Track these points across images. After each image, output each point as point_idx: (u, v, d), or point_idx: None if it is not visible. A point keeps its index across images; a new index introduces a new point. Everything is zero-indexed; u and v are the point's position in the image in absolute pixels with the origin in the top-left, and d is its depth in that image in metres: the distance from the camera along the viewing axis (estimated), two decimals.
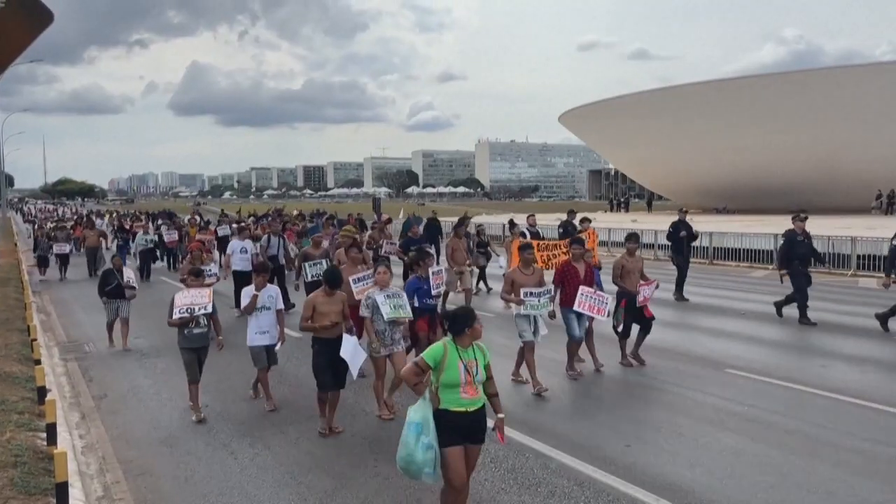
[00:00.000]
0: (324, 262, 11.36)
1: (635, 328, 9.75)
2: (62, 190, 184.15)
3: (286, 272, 14.98)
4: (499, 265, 16.23)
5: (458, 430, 4.60)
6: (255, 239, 15.88)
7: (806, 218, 12.83)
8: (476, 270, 16.64)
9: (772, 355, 10.17)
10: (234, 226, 21.47)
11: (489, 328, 7.96)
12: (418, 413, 4.56)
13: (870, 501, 5.36)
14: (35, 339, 10.25)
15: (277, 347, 8.01)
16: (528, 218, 17.18)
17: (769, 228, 23.53)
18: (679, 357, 10.01)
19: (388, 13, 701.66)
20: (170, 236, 22.44)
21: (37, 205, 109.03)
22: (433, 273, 9.03)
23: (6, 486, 5.45)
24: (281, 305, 8.01)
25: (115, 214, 42.44)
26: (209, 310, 7.69)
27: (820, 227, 20.53)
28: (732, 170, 44.54)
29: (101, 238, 24.14)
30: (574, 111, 59.00)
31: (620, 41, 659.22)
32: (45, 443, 6.45)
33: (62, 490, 5.08)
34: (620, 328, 9.65)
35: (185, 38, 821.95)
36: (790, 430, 6.86)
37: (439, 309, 9.62)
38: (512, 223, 16.19)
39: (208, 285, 8.13)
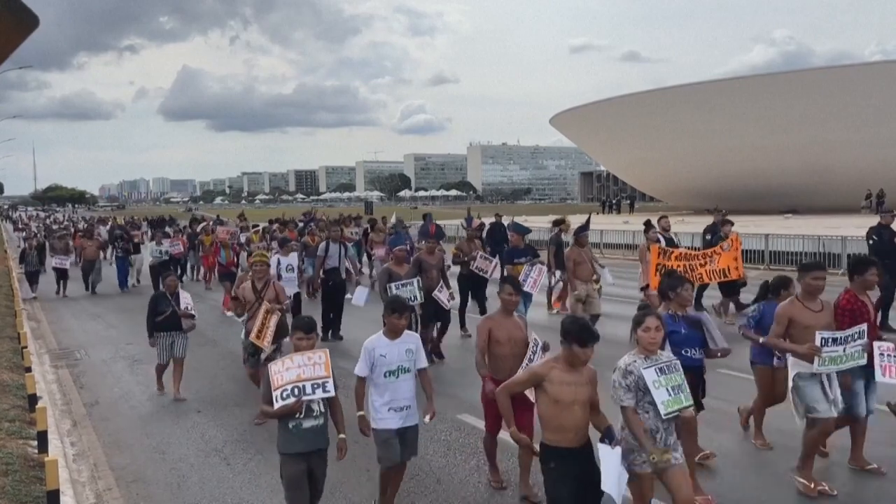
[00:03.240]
0: (414, 282, 9.25)
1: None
2: (52, 197, 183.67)
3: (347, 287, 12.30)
4: (606, 281, 12.71)
5: None
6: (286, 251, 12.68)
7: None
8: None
9: None
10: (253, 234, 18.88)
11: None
12: None
13: (867, 501, 5.38)
14: (26, 347, 10.19)
15: (428, 419, 5.20)
16: (660, 220, 13.19)
17: (761, 229, 23.62)
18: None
19: (380, 17, 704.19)
20: (175, 248, 19.24)
21: (27, 211, 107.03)
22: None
23: None
24: (424, 362, 5.20)
25: (116, 220, 36.56)
26: (330, 390, 4.57)
27: (810, 227, 20.69)
28: (723, 171, 44.70)
29: (100, 250, 20.96)
30: (565, 113, 59.16)
31: (612, 44, 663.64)
32: (36, 451, 6.41)
33: (54, 498, 5.05)
34: None
35: (176, 44, 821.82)
36: (784, 431, 6.88)
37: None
38: (648, 225, 12.65)
39: (306, 346, 4.76)
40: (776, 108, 41.21)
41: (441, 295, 9.98)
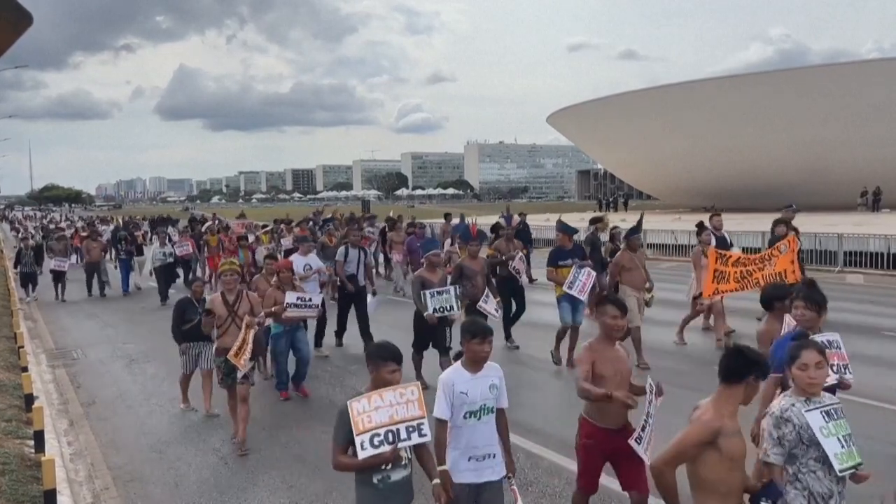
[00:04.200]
0: (451, 290, 8.38)
1: None
2: (49, 196, 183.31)
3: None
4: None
5: None
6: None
7: None
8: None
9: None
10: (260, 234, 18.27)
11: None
12: None
13: (865, 496, 5.38)
14: (22, 347, 10.19)
15: (507, 484, 4.20)
16: (711, 218, 12.01)
17: (757, 227, 23.64)
18: (671, 356, 10.02)
19: (377, 16, 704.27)
20: (182, 249, 18.11)
21: (23, 211, 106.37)
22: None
23: None
24: (505, 400, 4.21)
25: (121, 220, 33.58)
26: (427, 434, 3.74)
27: (807, 225, 20.66)
28: (720, 169, 44.74)
29: (103, 251, 19.83)
30: (562, 112, 59.12)
31: (608, 42, 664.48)
32: (33, 450, 6.41)
33: (50, 497, 5.05)
34: None
35: (172, 43, 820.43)
36: None
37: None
38: (701, 227, 11.43)
39: (397, 379, 3.80)
40: (773, 106, 41.24)
41: (487, 306, 9.03)
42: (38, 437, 6.39)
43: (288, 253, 18.64)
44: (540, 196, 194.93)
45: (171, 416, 7.97)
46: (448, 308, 8.24)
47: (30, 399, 7.65)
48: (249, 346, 6.61)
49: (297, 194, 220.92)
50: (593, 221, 13.51)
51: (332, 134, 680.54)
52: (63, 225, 40.88)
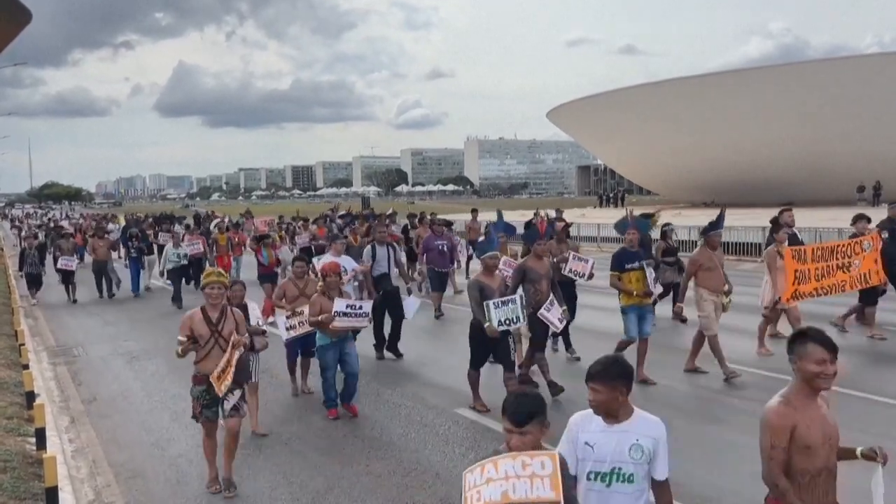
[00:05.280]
0: (517, 299, 7.32)
1: None
2: (49, 194, 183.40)
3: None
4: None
5: None
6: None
7: None
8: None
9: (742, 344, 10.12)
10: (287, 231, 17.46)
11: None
12: None
13: (863, 489, 5.38)
14: (23, 344, 10.20)
15: None
16: (782, 213, 10.44)
17: (758, 221, 23.65)
18: (671, 351, 10.01)
19: (376, 12, 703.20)
20: (193, 248, 17.04)
21: (23, 209, 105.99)
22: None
23: None
24: (664, 470, 3.19)
25: (123, 217, 31.43)
26: None
27: (807, 220, 20.69)
28: (720, 164, 44.72)
29: (111, 250, 18.52)
30: (562, 107, 59.09)
31: (608, 37, 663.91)
32: (34, 447, 6.42)
33: (52, 494, 5.05)
34: None
35: (171, 40, 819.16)
36: None
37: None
38: (776, 223, 10.02)
39: (518, 443, 2.73)
40: (773, 101, 41.22)
41: (551, 315, 7.80)
42: (40, 435, 6.39)
43: (302, 252, 18.34)
44: (540, 192, 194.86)
45: (172, 413, 7.97)
46: (514, 320, 7.26)
47: (31, 396, 7.65)
48: (232, 370, 5.58)
49: (296, 191, 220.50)
50: (644, 218, 11.96)
51: (332, 130, 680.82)
52: (63, 223, 38.54)
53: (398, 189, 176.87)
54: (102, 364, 10.64)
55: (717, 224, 8.79)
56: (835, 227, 20.80)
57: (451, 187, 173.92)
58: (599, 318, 11.53)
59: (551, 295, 7.93)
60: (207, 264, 17.54)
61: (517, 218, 20.52)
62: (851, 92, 38.90)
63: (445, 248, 13.66)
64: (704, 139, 45.48)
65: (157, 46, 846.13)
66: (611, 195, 68.15)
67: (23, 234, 29.92)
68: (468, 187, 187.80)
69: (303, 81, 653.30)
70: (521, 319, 7.33)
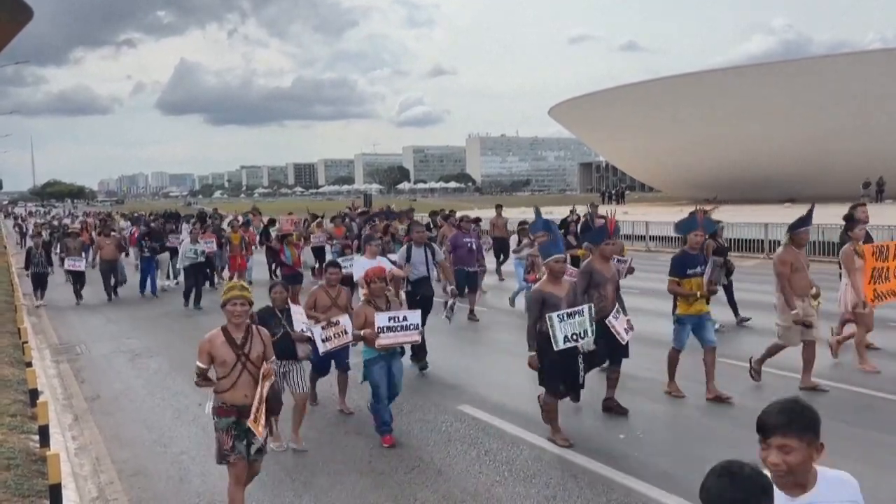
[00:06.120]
0: (585, 311, 6.26)
1: None
2: (51, 192, 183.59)
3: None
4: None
5: None
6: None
7: None
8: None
9: (761, 343, 10.12)
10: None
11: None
12: None
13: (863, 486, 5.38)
14: (26, 342, 10.21)
15: None
16: (856, 209, 9.67)
17: (759, 218, 23.64)
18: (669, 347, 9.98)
19: (378, 9, 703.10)
20: (208, 246, 16.25)
21: (25, 207, 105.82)
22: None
23: None
24: None
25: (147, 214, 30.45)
26: None
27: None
28: (722, 160, 44.64)
29: (119, 249, 17.72)
30: (564, 104, 59.02)
31: (610, 34, 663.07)
32: (38, 445, 6.43)
33: (56, 492, 5.06)
34: None
35: (173, 38, 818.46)
36: None
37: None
38: (850, 219, 9.29)
39: None
40: (775, 97, 41.12)
41: (617, 324, 6.98)
42: (43, 432, 6.40)
43: (316, 251, 17.67)
44: (542, 189, 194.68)
45: (175, 411, 7.99)
46: (581, 334, 6.17)
47: (34, 394, 7.67)
48: (264, 406, 4.80)
49: (299, 188, 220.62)
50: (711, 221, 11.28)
51: (334, 128, 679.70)
52: (67, 221, 38.80)
53: (400, 186, 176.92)
54: (105, 362, 10.67)
55: (805, 220, 7.96)
56: (837, 223, 20.75)
57: (452, 184, 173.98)
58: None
59: (617, 303, 7.10)
60: (219, 263, 17.47)
61: (517, 216, 20.46)
62: (854, 88, 38.80)
63: (474, 246, 12.91)
64: (706, 136, 45.40)
65: (159, 44, 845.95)
66: (612, 192, 68.10)
67: (29, 232, 29.25)
68: (470, 184, 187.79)
69: (304, 79, 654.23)
70: (591, 334, 6.26)
